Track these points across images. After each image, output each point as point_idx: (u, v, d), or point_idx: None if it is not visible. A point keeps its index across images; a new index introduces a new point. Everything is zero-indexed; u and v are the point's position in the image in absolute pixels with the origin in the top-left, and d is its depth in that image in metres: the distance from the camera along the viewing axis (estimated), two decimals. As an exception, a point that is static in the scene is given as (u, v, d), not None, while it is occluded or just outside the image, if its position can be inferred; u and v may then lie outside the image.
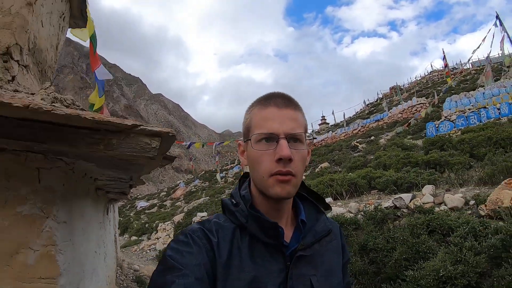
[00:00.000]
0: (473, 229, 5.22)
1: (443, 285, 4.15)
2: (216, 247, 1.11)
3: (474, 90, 28.68)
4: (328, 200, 10.40)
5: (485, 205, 6.36)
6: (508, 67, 27.63)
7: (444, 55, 39.51)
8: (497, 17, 26.89)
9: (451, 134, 18.32)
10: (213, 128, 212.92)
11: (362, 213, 7.70)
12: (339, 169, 19.51)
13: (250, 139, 1.18)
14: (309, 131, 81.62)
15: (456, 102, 24.17)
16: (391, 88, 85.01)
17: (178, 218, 22.07)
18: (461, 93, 27.59)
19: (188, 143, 29.35)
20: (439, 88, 48.84)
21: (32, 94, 2.61)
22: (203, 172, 71.59)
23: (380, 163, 14.39)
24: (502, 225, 5.17)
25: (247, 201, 1.21)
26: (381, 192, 10.53)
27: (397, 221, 6.81)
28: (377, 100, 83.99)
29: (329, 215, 8.69)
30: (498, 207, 5.95)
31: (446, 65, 46.65)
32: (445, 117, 22.45)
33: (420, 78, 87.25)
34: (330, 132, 48.40)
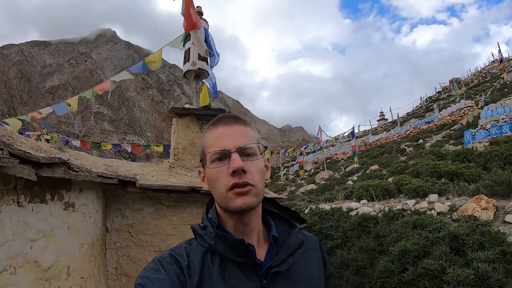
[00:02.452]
0: (439, 226, 8.37)
1: (404, 254, 7.44)
2: (186, 270, 1.14)
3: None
4: (363, 201, 13.59)
5: (456, 213, 9.48)
6: None
7: (499, 48, 40.26)
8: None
9: (475, 147, 20.41)
10: (273, 123, 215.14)
11: (381, 213, 10.96)
12: (384, 172, 22.38)
13: (205, 160, 1.27)
14: (367, 127, 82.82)
15: (492, 111, 26.22)
16: (451, 81, 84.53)
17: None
18: (498, 101, 29.33)
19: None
20: (494, 83, 49.04)
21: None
22: None
23: (414, 170, 17.25)
24: (455, 225, 8.36)
25: (214, 223, 1.25)
26: (406, 197, 13.50)
27: (401, 220, 9.97)
28: (436, 94, 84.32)
29: (360, 212, 11.85)
30: (462, 215, 9.08)
31: (501, 60, 47.14)
32: (481, 126, 24.56)
33: (481, 69, 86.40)
34: (385, 132, 50.18)
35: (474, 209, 9.00)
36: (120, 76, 8.41)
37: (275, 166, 57.73)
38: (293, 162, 60.93)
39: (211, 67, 6.91)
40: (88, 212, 3.66)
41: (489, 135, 22.60)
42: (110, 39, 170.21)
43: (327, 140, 46.13)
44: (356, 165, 30.69)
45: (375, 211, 11.38)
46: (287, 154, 53.61)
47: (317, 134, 45.23)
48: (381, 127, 72.79)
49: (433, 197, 11.18)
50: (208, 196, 4.49)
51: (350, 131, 38.84)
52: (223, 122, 1.28)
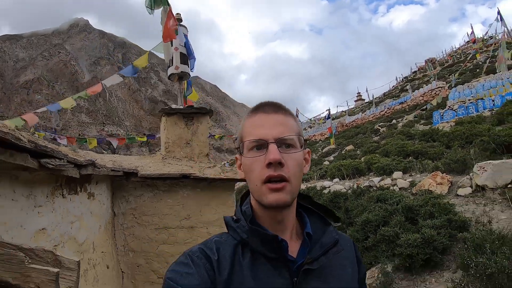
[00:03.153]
0: (397, 200, 9.51)
1: (367, 224, 8.61)
2: (216, 265, 1.12)
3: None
4: (335, 180, 14.73)
5: (414, 188, 10.66)
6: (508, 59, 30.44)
7: (472, 30, 41.69)
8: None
9: (443, 126, 21.62)
10: (252, 106, 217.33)
11: (351, 190, 12.08)
12: (358, 152, 23.61)
13: (242, 148, 1.21)
14: (344, 107, 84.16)
15: (459, 92, 27.61)
16: (426, 61, 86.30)
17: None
18: (468, 82, 30.76)
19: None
20: (469, 64, 50.54)
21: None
22: None
23: (384, 150, 18.45)
24: (412, 198, 9.52)
25: (248, 216, 1.22)
26: (375, 175, 14.65)
27: (367, 195, 11.09)
28: (412, 73, 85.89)
29: (332, 189, 12.99)
30: (420, 190, 10.24)
31: (474, 41, 48.72)
32: (449, 106, 25.91)
33: (456, 49, 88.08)
34: (361, 113, 51.45)
35: (430, 184, 10.16)
36: (111, 80, 9.11)
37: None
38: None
39: (191, 70, 7.85)
40: (102, 200, 4.56)
41: (456, 116, 23.95)
42: (83, 29, 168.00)
43: (304, 121, 47.33)
44: (332, 146, 31.92)
45: (345, 189, 12.51)
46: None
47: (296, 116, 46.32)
48: (358, 108, 74.13)
49: (397, 174, 12.33)
50: (197, 182, 5.47)
51: (326, 113, 40.03)
52: (263, 110, 1.23)
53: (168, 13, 6.96)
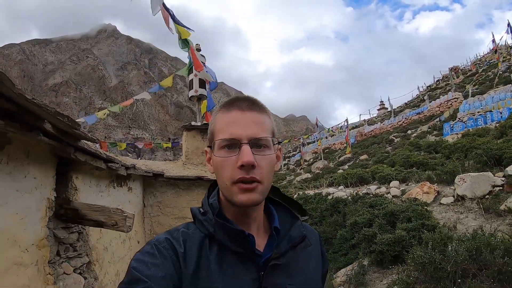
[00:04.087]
0: (385, 206, 10.86)
1: (355, 226, 10.03)
2: (182, 258, 1.09)
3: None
4: (340, 187, 16.09)
5: (404, 196, 12.01)
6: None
7: (493, 38, 41.62)
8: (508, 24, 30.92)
9: (453, 138, 22.66)
10: (277, 113, 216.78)
11: (350, 196, 13.45)
12: (370, 162, 24.85)
13: (213, 145, 1.17)
14: (367, 116, 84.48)
15: (469, 104, 28.56)
16: (450, 69, 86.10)
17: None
18: (476, 96, 31.58)
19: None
20: (490, 72, 50.38)
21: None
22: None
23: (391, 160, 19.75)
24: (397, 204, 10.89)
25: (215, 209, 1.18)
26: (378, 183, 15.93)
27: (362, 201, 12.43)
28: (436, 82, 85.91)
29: (335, 196, 14.33)
30: (408, 198, 11.58)
31: (495, 50, 48.78)
32: (459, 118, 26.94)
33: (480, 57, 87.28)
34: (379, 123, 52.19)
35: (417, 193, 11.49)
36: (141, 96, 10.72)
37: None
38: (294, 153, 63.23)
39: (211, 90, 9.44)
40: (137, 193, 6.09)
41: (465, 127, 24.90)
42: (111, 34, 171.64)
43: (327, 129, 48.46)
44: (348, 155, 33.16)
45: (346, 195, 13.86)
46: (285, 145, 55.63)
47: (316, 125, 47.63)
48: (380, 117, 74.52)
49: (393, 183, 13.66)
50: (209, 182, 6.96)
51: (344, 123, 41.15)
52: (238, 107, 1.18)
53: (192, 51, 8.45)
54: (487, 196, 10.19)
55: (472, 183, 10.42)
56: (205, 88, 8.95)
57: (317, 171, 31.86)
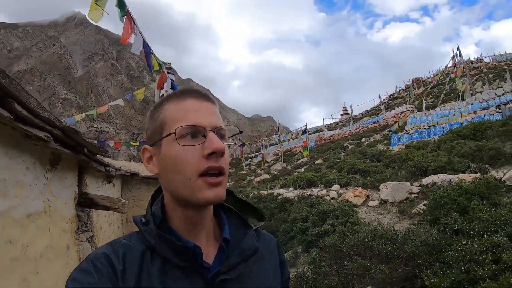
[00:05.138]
0: (322, 205, 12.90)
1: (294, 221, 12.06)
2: (121, 275, 0.99)
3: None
4: (290, 189, 18.11)
5: (339, 198, 14.11)
6: (459, 91, 33.87)
7: (453, 55, 43.73)
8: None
9: (396, 149, 25.09)
10: (243, 112, 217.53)
11: (297, 197, 15.47)
12: (323, 166, 26.97)
13: (162, 139, 1.05)
14: (329, 121, 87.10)
15: (417, 118, 31.21)
16: (412, 80, 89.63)
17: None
18: (423, 111, 34.35)
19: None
20: (448, 86, 52.34)
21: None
22: (231, 159, 75.23)
23: (339, 166, 21.94)
24: (331, 205, 12.96)
25: (157, 218, 1.07)
26: (323, 186, 18.00)
27: (305, 201, 14.44)
28: (398, 91, 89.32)
29: (284, 196, 16.30)
30: (342, 200, 13.67)
31: (454, 65, 51.50)
32: (406, 130, 29.50)
33: (442, 69, 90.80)
34: (338, 129, 54.66)
35: (350, 196, 13.58)
36: (115, 102, 12.32)
37: (239, 156, 61.94)
38: (256, 153, 65.01)
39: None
40: (117, 189, 7.87)
41: (411, 139, 27.37)
42: (80, 23, 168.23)
43: (289, 133, 50.51)
44: (305, 159, 35.29)
45: (293, 196, 15.85)
46: (244, 146, 57.22)
47: (277, 129, 49.69)
48: (342, 122, 76.98)
49: (335, 187, 15.78)
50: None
51: (303, 127, 43.25)
52: (192, 96, 1.08)
53: (161, 74, 10.18)
54: (404, 201, 12.31)
55: (393, 190, 12.55)
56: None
57: (275, 172, 33.83)
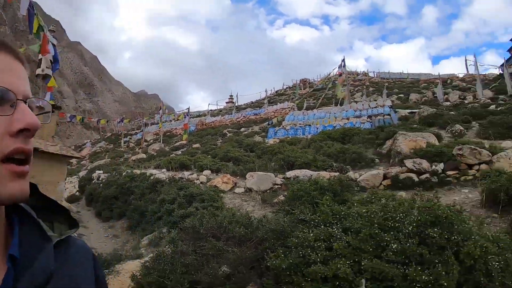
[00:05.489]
0: (191, 188, 13.36)
1: (162, 202, 12.40)
2: None
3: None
4: (163, 170, 18.29)
5: (208, 183, 14.68)
6: (338, 97, 36.53)
7: (340, 65, 45.79)
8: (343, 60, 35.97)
9: (271, 142, 26.29)
10: (129, 86, 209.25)
11: (168, 179, 15.74)
12: (199, 151, 27.35)
13: None
14: (214, 107, 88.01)
15: (295, 116, 32.88)
16: (301, 80, 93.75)
17: (82, 174, 27.04)
18: (302, 110, 36.39)
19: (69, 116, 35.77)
20: (330, 91, 54.89)
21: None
22: (110, 134, 73.78)
23: (214, 152, 22.49)
24: (202, 189, 13.48)
25: None
26: (196, 170, 18.39)
27: (175, 183, 14.79)
28: (284, 89, 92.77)
29: (156, 177, 16.47)
30: (211, 185, 14.23)
31: (340, 74, 54.60)
32: (283, 126, 30.95)
33: (328, 75, 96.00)
34: (220, 116, 55.40)
35: (218, 182, 14.16)
36: None
37: (119, 133, 60.60)
38: (137, 131, 63.91)
39: (53, 71, 10.89)
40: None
41: (286, 135, 28.73)
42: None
43: (172, 114, 50.28)
44: (184, 142, 35.47)
45: (165, 178, 16.09)
46: (122, 123, 56.08)
47: (159, 111, 49.25)
48: (226, 110, 77.98)
49: (206, 172, 16.28)
50: (44, 154, 8.64)
51: (186, 110, 43.39)
52: (7, 50, 0.81)
53: (44, 38, 9.93)
54: (268, 191, 13.13)
55: (258, 179, 13.31)
56: (51, 69, 10.44)
57: (153, 152, 33.61)
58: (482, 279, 4.77)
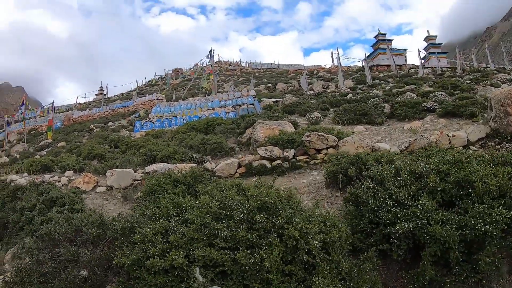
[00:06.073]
0: (50, 193, 13.55)
1: (25, 209, 12.50)
2: None
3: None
4: (25, 174, 17.87)
5: (70, 184, 14.93)
6: (204, 88, 37.80)
7: (208, 55, 45.61)
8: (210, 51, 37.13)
9: (138, 135, 26.71)
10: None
11: (29, 184, 15.61)
12: (64, 150, 26.75)
13: None
14: (83, 99, 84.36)
15: (161, 108, 33.37)
16: (173, 70, 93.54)
17: None
18: (169, 102, 37.03)
19: None
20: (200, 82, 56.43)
21: None
22: None
23: (79, 150, 22.32)
24: (61, 192, 13.72)
25: None
26: (60, 171, 18.21)
27: (35, 188, 14.81)
28: (156, 79, 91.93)
29: (17, 183, 16.18)
30: (72, 186, 14.50)
31: (211, 65, 55.44)
32: (149, 119, 31.29)
33: (201, 65, 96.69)
34: (88, 110, 53.62)
35: (79, 182, 14.44)
36: None
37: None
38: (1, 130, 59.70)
39: None
40: None
41: (153, 127, 29.11)
42: None
43: (34, 110, 47.63)
44: (49, 140, 34.19)
45: (26, 183, 15.90)
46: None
47: (21, 106, 46.47)
48: (95, 103, 75.57)
49: (68, 173, 16.38)
50: None
51: (50, 105, 41.56)
52: None
53: None
54: (129, 187, 13.68)
55: (118, 176, 13.81)
56: None
57: (15, 155, 32.01)
58: (305, 256, 5.36)
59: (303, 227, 5.50)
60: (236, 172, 13.39)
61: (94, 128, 35.98)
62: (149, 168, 14.28)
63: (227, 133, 20.45)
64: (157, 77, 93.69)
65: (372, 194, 7.06)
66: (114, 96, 78.59)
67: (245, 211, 5.95)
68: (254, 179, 11.97)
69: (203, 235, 5.87)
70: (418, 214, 6.02)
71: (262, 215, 5.83)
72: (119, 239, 7.16)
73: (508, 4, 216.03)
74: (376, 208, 6.65)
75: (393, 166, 7.97)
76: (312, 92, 37.04)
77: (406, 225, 5.90)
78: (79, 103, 77.50)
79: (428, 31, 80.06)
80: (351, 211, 7.32)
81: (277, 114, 23.52)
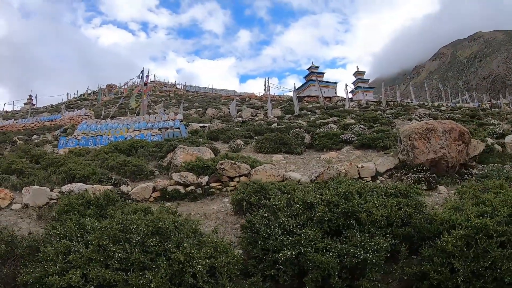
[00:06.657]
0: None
1: None
2: None
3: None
4: None
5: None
6: (132, 108, 38.00)
7: (139, 75, 44.39)
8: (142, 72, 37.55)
9: (59, 151, 26.26)
10: None
11: None
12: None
13: None
14: (10, 107, 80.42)
15: (88, 125, 33.03)
16: (107, 86, 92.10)
17: None
18: (95, 119, 36.78)
19: None
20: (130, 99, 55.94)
21: None
22: None
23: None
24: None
25: None
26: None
27: None
28: (88, 93, 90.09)
29: None
30: None
31: (146, 84, 55.01)
32: (74, 135, 30.87)
33: (135, 83, 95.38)
34: (13, 120, 51.70)
35: (-6, 197, 14.60)
36: None
37: None
38: None
39: None
40: None
41: (78, 145, 28.77)
42: None
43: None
44: (-31, 153, 32.97)
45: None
46: None
47: None
48: (22, 112, 72.76)
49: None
50: None
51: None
52: None
53: None
54: (44, 206, 13.89)
55: (34, 194, 13.90)
56: None
57: None
58: (190, 280, 5.69)
59: (189, 252, 5.93)
60: (151, 196, 13.72)
61: (18, 140, 34.79)
62: (66, 187, 14.42)
63: (149, 156, 20.57)
64: (89, 92, 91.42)
65: (265, 222, 7.51)
66: (43, 107, 75.90)
67: (141, 235, 6.39)
68: (169, 203, 12.54)
69: (100, 256, 6.21)
70: (302, 242, 6.47)
71: (155, 239, 6.32)
72: (25, 257, 7.40)
73: (436, 45, 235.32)
74: (267, 235, 7.07)
75: (288, 196, 8.63)
76: (240, 119, 37.81)
77: (289, 252, 6.30)
78: (6, 111, 74.21)
79: (357, 66, 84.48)
80: (247, 238, 7.71)
81: (201, 139, 23.79)
